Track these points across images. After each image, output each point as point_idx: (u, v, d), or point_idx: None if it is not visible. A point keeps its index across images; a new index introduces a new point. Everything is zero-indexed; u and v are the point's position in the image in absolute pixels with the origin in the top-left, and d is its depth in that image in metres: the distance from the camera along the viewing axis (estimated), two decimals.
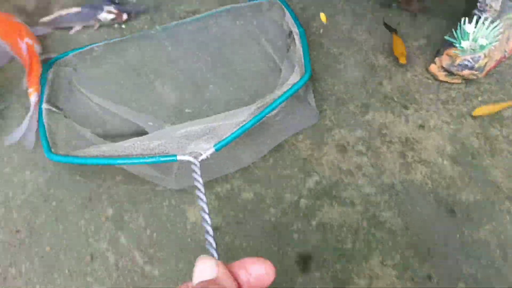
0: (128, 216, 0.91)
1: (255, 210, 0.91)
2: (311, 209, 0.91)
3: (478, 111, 1.01)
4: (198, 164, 0.69)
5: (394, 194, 0.93)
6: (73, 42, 1.14)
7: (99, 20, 1.12)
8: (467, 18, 0.99)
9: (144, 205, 0.92)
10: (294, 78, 0.89)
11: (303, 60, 0.94)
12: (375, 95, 1.04)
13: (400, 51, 1.07)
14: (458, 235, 0.89)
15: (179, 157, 0.76)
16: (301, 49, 0.96)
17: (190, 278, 0.32)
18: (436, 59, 1.05)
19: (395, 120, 1.02)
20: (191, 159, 0.73)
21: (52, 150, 0.87)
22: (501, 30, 0.98)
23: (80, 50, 1.06)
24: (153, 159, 0.79)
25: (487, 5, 1.01)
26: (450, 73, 1.04)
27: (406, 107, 1.03)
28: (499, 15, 1.06)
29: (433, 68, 1.06)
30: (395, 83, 1.06)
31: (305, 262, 0.86)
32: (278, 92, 0.87)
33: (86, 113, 1.01)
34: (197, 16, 1.11)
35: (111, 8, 1.11)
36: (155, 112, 1.02)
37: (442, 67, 1.04)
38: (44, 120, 0.93)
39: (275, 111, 0.86)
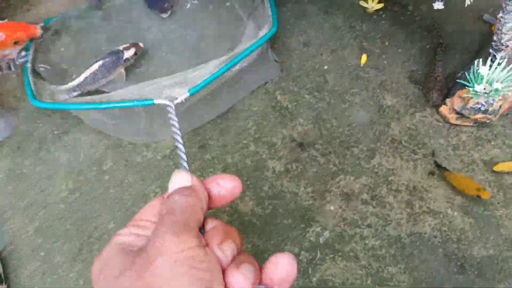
0: None
1: None
2: (312, 264, 0.87)
3: (499, 167, 0.94)
4: (173, 106, 0.69)
5: (401, 248, 0.88)
6: None
7: (125, 62, 1.06)
8: (481, 60, 0.93)
9: None
10: (262, 32, 0.98)
11: (270, 14, 1.01)
12: (382, 138, 0.99)
13: (475, 188, 0.89)
14: None
15: (156, 101, 0.84)
16: (268, 9, 1.03)
17: None
18: (447, 101, 1.00)
19: (402, 166, 0.96)
20: (167, 102, 0.81)
21: (37, 97, 0.96)
22: None
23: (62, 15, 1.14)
24: (132, 103, 0.88)
25: (502, 44, 0.95)
26: (461, 115, 0.98)
27: (414, 152, 0.98)
28: None
29: (444, 110, 1.00)
30: (403, 125, 1.01)
31: None
32: (246, 44, 0.95)
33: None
34: None
35: (126, 44, 1.07)
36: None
37: (454, 109, 0.98)
38: (29, 73, 1.01)
39: (242, 62, 0.94)
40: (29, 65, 1.03)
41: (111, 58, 1.02)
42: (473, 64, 0.94)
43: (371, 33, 1.13)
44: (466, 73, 0.95)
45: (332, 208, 0.92)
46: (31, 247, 0.92)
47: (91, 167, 1.00)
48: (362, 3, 1.13)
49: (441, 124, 1.01)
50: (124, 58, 1.04)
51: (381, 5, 1.13)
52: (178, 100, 0.84)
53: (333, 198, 0.93)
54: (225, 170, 0.97)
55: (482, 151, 0.97)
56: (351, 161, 0.97)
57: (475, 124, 1.00)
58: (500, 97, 0.95)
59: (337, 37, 1.13)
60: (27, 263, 0.90)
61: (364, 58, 1.09)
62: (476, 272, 0.85)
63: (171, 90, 0.87)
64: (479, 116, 0.96)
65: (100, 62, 1.01)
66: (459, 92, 0.98)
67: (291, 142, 1.00)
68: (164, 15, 1.15)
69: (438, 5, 1.11)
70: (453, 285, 0.84)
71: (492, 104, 0.95)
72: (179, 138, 0.44)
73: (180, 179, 0.33)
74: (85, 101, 0.93)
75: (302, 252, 0.88)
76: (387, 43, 1.11)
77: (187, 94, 0.87)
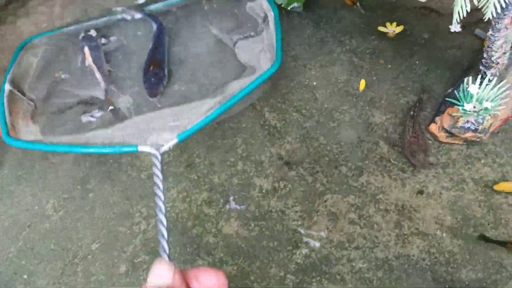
0: None
1: (237, 286, 0.85)
2: (298, 287, 0.85)
3: (500, 186, 0.93)
4: (160, 156, 0.67)
5: (389, 271, 0.87)
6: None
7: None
8: (470, 78, 0.92)
9: (122, 279, 0.87)
10: (264, 65, 0.89)
11: (275, 46, 0.92)
12: (370, 156, 0.98)
13: None
14: None
15: (140, 148, 0.75)
16: (274, 34, 0.94)
17: None
18: (437, 119, 0.98)
19: (391, 185, 0.95)
20: (152, 150, 0.71)
21: (10, 134, 0.88)
22: (508, 92, 0.91)
23: (51, 34, 1.11)
24: (114, 149, 0.79)
25: (493, 62, 0.94)
26: (451, 134, 0.97)
27: (403, 170, 0.96)
28: (507, 68, 0.99)
29: (433, 128, 0.99)
30: (392, 143, 0.99)
31: None
32: (246, 80, 0.86)
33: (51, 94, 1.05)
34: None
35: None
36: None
37: (443, 128, 0.97)
38: (5, 101, 0.94)
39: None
40: (7, 86, 0.98)
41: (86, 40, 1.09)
42: (463, 82, 0.92)
43: (360, 48, 1.12)
44: (455, 91, 0.94)
45: (319, 228, 0.91)
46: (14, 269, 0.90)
47: (75, 185, 0.99)
48: (382, 29, 1.12)
49: (430, 142, 0.99)
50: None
51: (401, 28, 1.12)
52: (165, 148, 0.74)
53: (320, 219, 0.92)
54: (210, 191, 0.96)
55: (472, 170, 0.96)
56: (339, 180, 0.96)
57: (464, 143, 0.98)
58: (490, 116, 0.93)
59: (325, 52, 1.12)
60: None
61: (363, 84, 1.07)
62: None
63: (158, 135, 0.77)
64: (469, 135, 0.95)
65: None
66: (448, 110, 0.97)
67: (278, 160, 0.99)
68: (152, 99, 1.03)
69: (456, 28, 1.10)
70: None
71: (482, 122, 0.94)
72: (162, 206, 0.41)
73: (162, 272, 0.31)
74: (63, 142, 0.86)
75: (288, 276, 0.86)
76: (382, 61, 1.09)
77: (176, 141, 0.76)
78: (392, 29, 1.12)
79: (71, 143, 0.84)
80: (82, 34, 1.15)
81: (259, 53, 0.99)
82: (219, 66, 1.06)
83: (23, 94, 1.01)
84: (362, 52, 1.11)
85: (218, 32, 1.08)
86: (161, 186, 0.47)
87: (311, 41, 1.14)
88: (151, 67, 1.03)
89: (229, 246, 0.89)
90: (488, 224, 0.90)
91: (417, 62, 1.09)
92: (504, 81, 0.92)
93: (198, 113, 0.81)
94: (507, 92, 0.91)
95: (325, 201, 0.94)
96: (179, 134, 0.77)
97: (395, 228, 0.90)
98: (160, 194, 0.45)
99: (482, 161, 0.97)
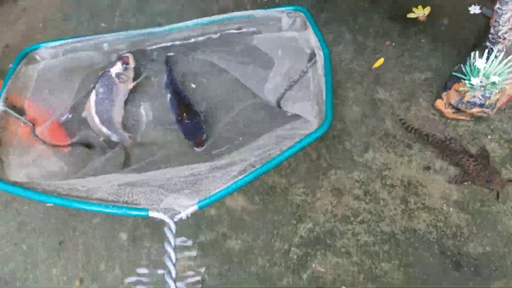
0: (104, 265, 0.85)
1: (241, 260, 0.84)
2: (302, 260, 0.84)
3: None
4: (174, 226, 0.57)
5: (395, 244, 0.85)
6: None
7: (120, 78, 1.01)
8: (477, 52, 0.91)
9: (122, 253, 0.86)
10: (308, 123, 0.69)
11: (324, 98, 0.70)
12: (376, 133, 0.97)
13: None
14: None
15: (151, 213, 0.59)
16: (322, 80, 0.73)
17: None
18: (443, 95, 0.97)
19: (397, 161, 0.94)
20: (165, 218, 0.58)
21: (1, 176, 0.71)
22: None
23: (54, 44, 0.99)
24: (119, 210, 0.60)
25: (500, 37, 0.93)
26: (458, 110, 0.96)
27: (410, 146, 0.95)
28: None
29: (440, 104, 0.98)
30: (397, 120, 0.98)
31: None
32: (282, 133, 0.71)
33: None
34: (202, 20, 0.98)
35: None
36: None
37: (450, 104, 0.96)
38: None
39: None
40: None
41: (103, 81, 0.98)
42: (469, 56, 0.91)
43: (365, 27, 1.11)
44: (462, 65, 0.93)
45: (323, 203, 0.90)
46: None
47: None
48: (411, 15, 1.12)
49: (437, 118, 0.98)
50: (115, 74, 1.00)
51: (429, 8, 1.12)
52: (182, 216, 0.59)
53: (324, 194, 0.91)
54: None
55: (479, 146, 0.95)
56: (344, 156, 0.95)
57: (471, 119, 0.97)
58: (497, 91, 0.92)
59: (329, 31, 1.12)
60: None
61: (381, 61, 1.05)
62: (472, 269, 0.82)
63: (175, 198, 0.62)
64: (475, 110, 0.94)
65: (97, 87, 0.98)
66: (455, 86, 0.96)
67: None
68: (199, 150, 0.91)
69: (475, 9, 1.09)
70: (448, 282, 0.81)
71: (489, 97, 0.93)
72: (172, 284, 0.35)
73: None
74: (61, 189, 0.67)
75: (293, 249, 0.85)
76: (388, 43, 1.09)
77: (196, 207, 0.60)
78: (423, 12, 1.11)
79: (70, 195, 0.64)
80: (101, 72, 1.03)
81: (301, 101, 0.83)
82: (247, 112, 0.94)
83: (20, 113, 0.89)
84: (366, 31, 1.10)
85: (240, 71, 0.96)
86: (173, 258, 0.45)
87: (319, 18, 1.13)
88: (184, 114, 0.91)
89: (233, 220, 0.88)
90: (496, 199, 0.89)
91: (422, 40, 1.08)
92: (511, 56, 0.91)
93: (225, 176, 0.65)
94: None
95: (329, 176, 0.93)
96: (200, 200, 0.61)
97: (401, 203, 0.89)
98: (172, 268, 0.43)
99: (489, 137, 0.95)
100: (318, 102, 0.72)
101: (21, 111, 0.88)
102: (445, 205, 0.88)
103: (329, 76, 0.74)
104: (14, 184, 0.69)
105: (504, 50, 0.95)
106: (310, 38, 0.87)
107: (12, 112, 0.85)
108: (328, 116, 0.68)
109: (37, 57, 0.99)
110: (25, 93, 0.92)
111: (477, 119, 0.97)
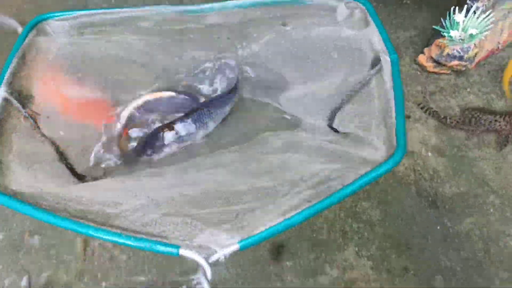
0: None
1: None
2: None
3: None
4: (209, 268, 0.47)
5: (374, 184, 0.91)
6: None
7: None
8: (457, 7, 0.96)
9: None
10: (375, 152, 0.57)
11: (393, 119, 0.56)
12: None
13: None
14: (438, 227, 0.86)
15: (182, 251, 0.48)
16: (391, 94, 0.59)
17: None
18: (425, 50, 1.03)
19: None
20: (200, 259, 0.47)
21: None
22: (493, 19, 0.95)
23: (77, 13, 0.79)
24: (141, 243, 0.49)
25: None
26: (438, 63, 1.01)
27: None
28: (493, 5, 1.03)
29: (422, 58, 1.03)
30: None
31: (277, 251, 0.85)
32: (350, 175, 0.54)
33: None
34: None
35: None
36: None
37: (431, 58, 1.01)
38: None
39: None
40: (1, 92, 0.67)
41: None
42: (449, 11, 0.97)
43: None
44: (442, 20, 0.98)
45: None
46: None
47: None
48: None
49: (419, 72, 1.04)
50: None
51: None
52: (219, 256, 0.48)
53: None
54: None
55: (459, 97, 1.00)
56: None
57: (452, 73, 1.02)
58: (476, 44, 0.97)
59: None
60: None
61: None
62: (446, 207, 0.88)
63: (212, 233, 0.51)
64: (455, 63, 0.99)
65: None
66: (436, 41, 1.01)
67: None
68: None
69: None
70: (423, 219, 0.87)
71: (468, 51, 0.98)
72: None
73: None
74: (71, 213, 0.54)
75: None
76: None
77: (237, 247, 0.48)
78: None
79: (84, 218, 0.53)
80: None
81: (362, 119, 0.68)
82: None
83: (23, 105, 0.70)
84: None
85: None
86: None
87: None
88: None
89: None
90: (473, 145, 0.94)
91: (408, 2, 1.13)
92: (490, 11, 0.96)
93: (274, 211, 0.52)
94: (492, 20, 0.95)
95: None
96: (242, 239, 0.49)
97: None
98: None
99: (468, 90, 1.01)
100: (387, 123, 0.58)
101: (29, 99, 0.72)
102: (423, 149, 0.94)
103: (399, 90, 0.59)
104: (15, 195, 0.55)
105: (484, 9, 1.00)
106: (373, 39, 0.71)
107: (14, 100, 0.68)
108: (401, 144, 0.55)
109: (49, 29, 0.81)
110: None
111: (457, 73, 1.02)
